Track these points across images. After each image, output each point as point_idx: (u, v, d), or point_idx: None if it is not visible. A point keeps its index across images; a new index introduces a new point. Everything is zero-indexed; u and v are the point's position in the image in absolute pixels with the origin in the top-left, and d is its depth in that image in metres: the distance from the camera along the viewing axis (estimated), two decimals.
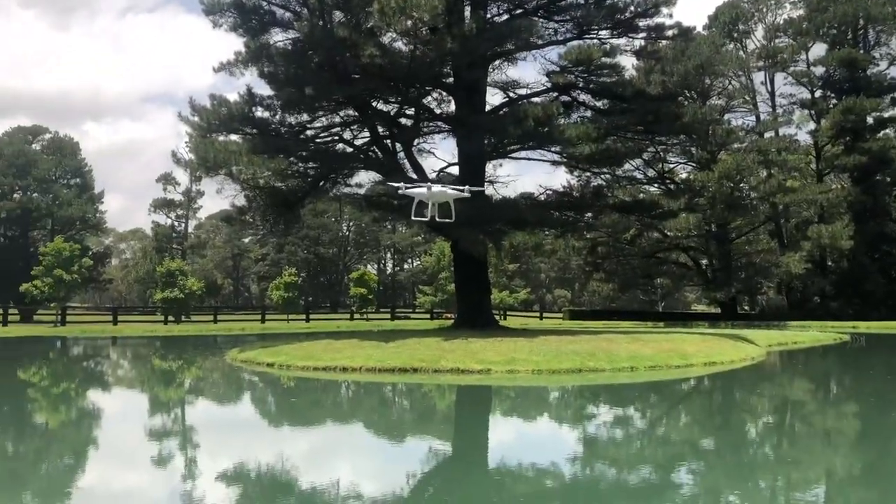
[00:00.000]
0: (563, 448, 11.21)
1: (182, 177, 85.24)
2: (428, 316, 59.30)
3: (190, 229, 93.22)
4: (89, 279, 61.70)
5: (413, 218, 22.89)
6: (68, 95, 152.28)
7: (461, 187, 22.60)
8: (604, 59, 28.75)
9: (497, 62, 29.61)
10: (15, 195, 67.95)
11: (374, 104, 29.11)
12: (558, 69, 29.24)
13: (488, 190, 29.88)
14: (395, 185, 23.38)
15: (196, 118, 27.49)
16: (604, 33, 29.07)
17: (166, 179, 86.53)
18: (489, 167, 30.57)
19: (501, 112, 28.79)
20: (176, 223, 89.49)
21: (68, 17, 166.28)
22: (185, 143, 30.70)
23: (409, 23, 24.59)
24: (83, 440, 12.17)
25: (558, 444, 11.59)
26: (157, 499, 8.06)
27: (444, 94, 30.79)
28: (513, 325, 36.42)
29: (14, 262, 63.67)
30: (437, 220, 22.26)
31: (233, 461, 9.97)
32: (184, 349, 33.59)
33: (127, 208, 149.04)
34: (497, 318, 35.11)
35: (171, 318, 50.46)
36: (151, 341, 38.50)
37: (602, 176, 34.58)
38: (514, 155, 30.26)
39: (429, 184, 22.47)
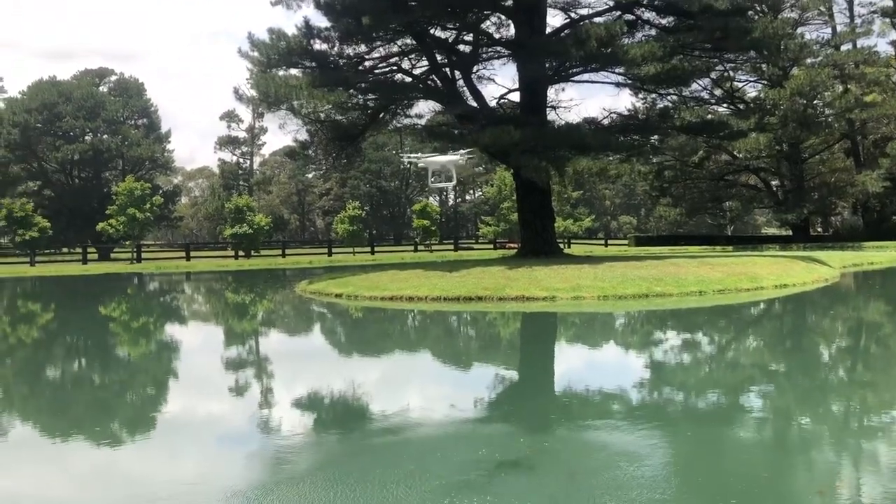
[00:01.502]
0: (631, 373, 11.22)
1: (245, 114, 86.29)
2: (491, 246, 59.46)
3: (255, 166, 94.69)
4: (161, 217, 63.63)
5: (431, 185, 28.49)
6: (135, 37, 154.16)
7: (461, 152, 29.79)
8: None
9: None
10: (86, 137, 69.87)
11: (431, 31, 28.64)
12: None
13: (551, 115, 29.37)
14: (412, 156, 28.51)
15: (256, 53, 27.59)
16: None
17: (230, 117, 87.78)
18: (551, 91, 29.97)
19: (563, 34, 27.97)
20: (241, 160, 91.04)
21: None
22: (247, 79, 30.92)
23: None
24: (168, 371, 12.74)
25: (626, 369, 11.60)
26: (238, 424, 8.42)
27: (503, 17, 30.08)
28: (577, 253, 36.24)
29: (89, 203, 65.96)
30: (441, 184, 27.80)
31: (309, 388, 10.35)
32: (255, 282, 34.58)
33: (194, 147, 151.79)
34: (561, 246, 34.89)
35: (241, 252, 51.83)
36: (223, 276, 39.70)
37: (668, 97, 33.49)
38: (576, 78, 29.53)
39: (449, 154, 27.89)
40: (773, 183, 58.60)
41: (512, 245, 53.30)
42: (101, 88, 73.80)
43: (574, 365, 12.15)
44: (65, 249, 66.24)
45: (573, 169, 31.17)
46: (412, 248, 58.33)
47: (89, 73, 75.70)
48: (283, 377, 11.59)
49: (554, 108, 30.43)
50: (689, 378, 10.57)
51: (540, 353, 13.61)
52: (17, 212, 51.23)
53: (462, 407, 8.80)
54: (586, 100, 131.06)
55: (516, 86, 29.56)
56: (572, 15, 29.51)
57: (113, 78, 76.04)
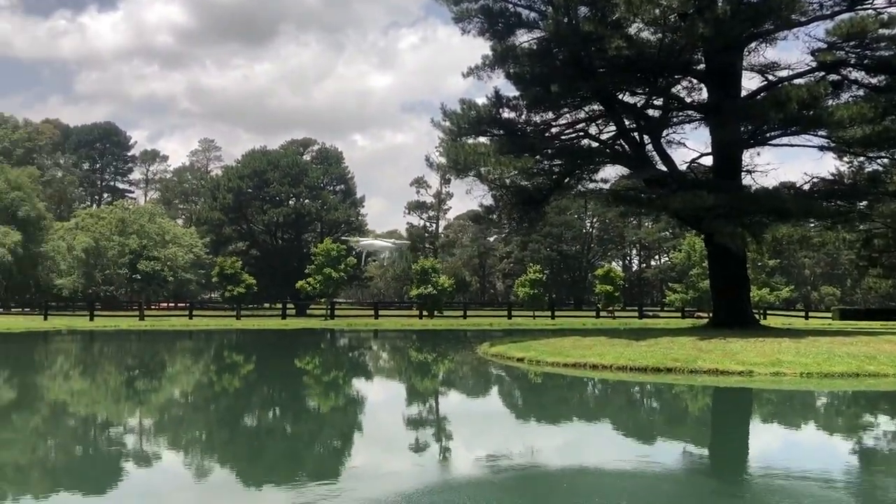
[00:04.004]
0: (839, 461, 10.19)
1: (433, 180, 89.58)
2: (678, 314, 57.06)
3: (440, 229, 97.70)
4: (353, 277, 66.93)
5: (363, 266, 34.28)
6: (338, 109, 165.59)
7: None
8: (881, 31, 25.67)
9: (753, 44, 27.63)
10: (290, 202, 75.54)
11: (620, 97, 28.49)
12: (825, 46, 26.65)
13: (746, 179, 28.04)
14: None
15: (447, 123, 28.70)
16: (880, 1, 26.05)
17: (419, 183, 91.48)
18: (746, 155, 28.57)
19: (759, 97, 26.86)
20: (428, 224, 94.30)
21: (340, 36, 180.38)
22: (437, 147, 32.32)
23: (657, 11, 23.81)
24: (354, 425, 13.20)
25: (832, 457, 10.56)
26: (415, 477, 8.50)
27: (695, 81, 29.36)
28: (775, 325, 33.90)
29: (290, 262, 70.75)
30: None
31: (491, 450, 10.32)
32: (438, 342, 35.31)
33: (385, 211, 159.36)
34: (756, 317, 32.80)
35: (425, 312, 53.28)
36: (408, 334, 40.89)
37: (878, 160, 31.00)
38: (774, 142, 28.08)
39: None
40: None
41: (701, 314, 50.91)
42: (304, 157, 79.86)
43: (774, 449, 11.23)
44: (266, 305, 71.21)
45: (772, 236, 29.41)
46: (594, 313, 57.23)
47: (295, 143, 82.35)
48: (465, 438, 11.62)
49: (749, 172, 28.93)
50: None
51: (736, 434, 12.72)
52: (228, 269, 55.81)
53: (637, 492, 8.34)
54: (784, 164, 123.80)
55: (708, 150, 28.57)
56: (770, 77, 28.25)
57: (315, 147, 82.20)
